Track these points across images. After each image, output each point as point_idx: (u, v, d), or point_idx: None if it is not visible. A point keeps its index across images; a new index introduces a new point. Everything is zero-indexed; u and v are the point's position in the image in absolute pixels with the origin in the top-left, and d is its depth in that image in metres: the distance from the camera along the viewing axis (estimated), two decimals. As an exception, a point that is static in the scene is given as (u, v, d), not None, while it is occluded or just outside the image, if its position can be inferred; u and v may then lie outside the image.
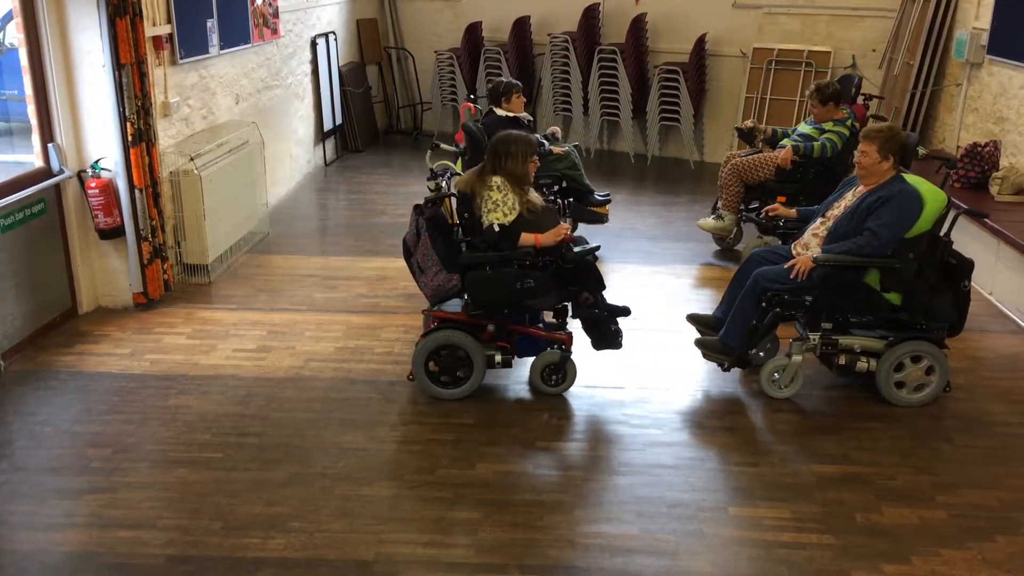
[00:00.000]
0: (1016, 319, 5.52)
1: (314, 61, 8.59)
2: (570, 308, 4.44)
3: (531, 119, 6.50)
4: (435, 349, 4.34)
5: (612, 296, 5.72)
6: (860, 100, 7.14)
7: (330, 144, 9.21)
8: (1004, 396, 4.59)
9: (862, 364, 4.38)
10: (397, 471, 3.79)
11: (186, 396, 4.38)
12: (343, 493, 3.62)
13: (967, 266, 4.34)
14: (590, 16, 9.38)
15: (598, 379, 4.60)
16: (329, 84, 8.90)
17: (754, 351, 4.56)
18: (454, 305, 4.46)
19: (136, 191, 5.14)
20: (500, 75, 9.54)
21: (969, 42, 7.46)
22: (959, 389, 4.61)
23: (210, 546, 3.29)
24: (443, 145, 4.81)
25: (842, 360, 4.40)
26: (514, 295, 4.22)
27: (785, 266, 4.34)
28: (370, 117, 10.05)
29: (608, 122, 9.76)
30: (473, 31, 9.76)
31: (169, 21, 5.57)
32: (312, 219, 7.64)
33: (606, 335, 4.46)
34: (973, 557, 3.33)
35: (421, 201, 4.36)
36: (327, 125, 8.93)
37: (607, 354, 4.83)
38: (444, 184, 4.35)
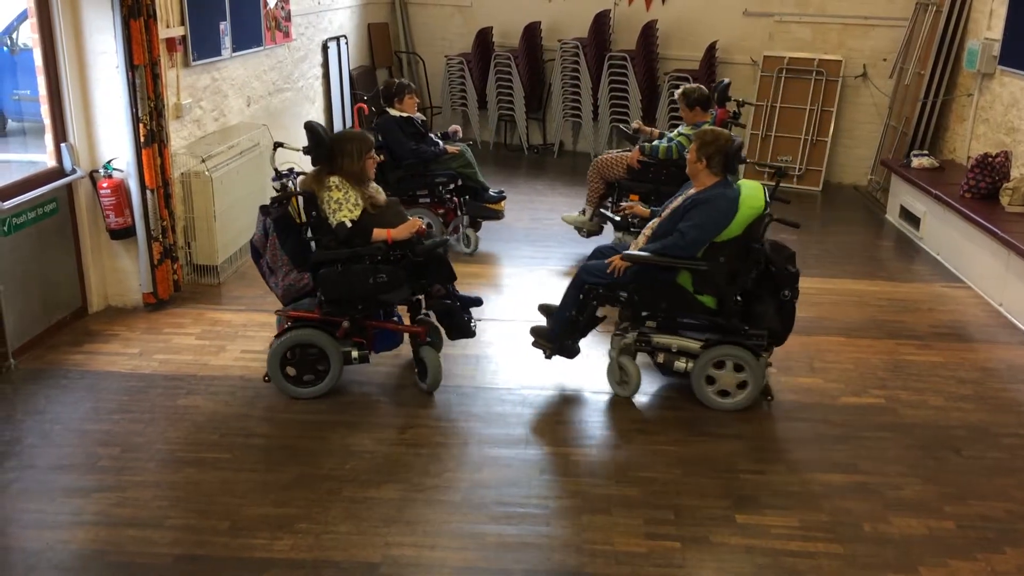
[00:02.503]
0: (1026, 330, 5.51)
1: (325, 65, 8.62)
2: (423, 300, 4.53)
3: (424, 119, 6.62)
4: (290, 349, 4.35)
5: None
6: (734, 105, 6.97)
7: (340, 147, 9.22)
8: (1013, 407, 4.58)
9: (680, 364, 4.40)
10: (404, 474, 3.80)
11: (195, 396, 4.39)
12: (350, 495, 3.63)
13: (788, 276, 4.30)
14: (601, 22, 9.40)
15: (606, 384, 4.60)
16: (340, 88, 8.93)
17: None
18: (306, 305, 4.46)
19: (147, 192, 5.17)
20: (510, 80, 9.58)
21: (981, 52, 7.46)
22: (967, 399, 4.61)
23: (217, 546, 3.30)
24: (286, 145, 4.84)
25: (660, 358, 4.43)
26: (368, 290, 4.23)
27: (606, 261, 4.39)
28: (380, 121, 10.07)
29: (618, 128, 9.74)
30: (484, 36, 9.78)
31: (183, 23, 5.61)
32: (321, 222, 7.65)
33: (460, 325, 4.54)
34: (981, 568, 3.32)
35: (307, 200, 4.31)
36: (337, 128, 8.95)
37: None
38: (291, 184, 4.35)
